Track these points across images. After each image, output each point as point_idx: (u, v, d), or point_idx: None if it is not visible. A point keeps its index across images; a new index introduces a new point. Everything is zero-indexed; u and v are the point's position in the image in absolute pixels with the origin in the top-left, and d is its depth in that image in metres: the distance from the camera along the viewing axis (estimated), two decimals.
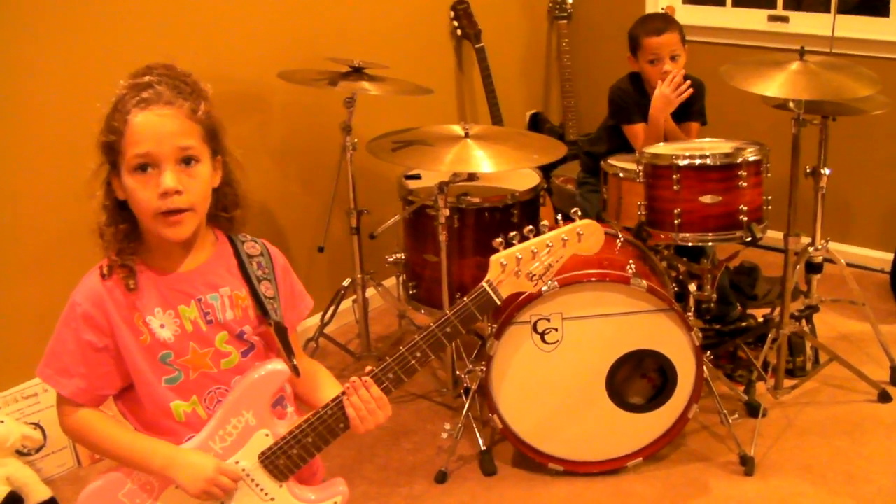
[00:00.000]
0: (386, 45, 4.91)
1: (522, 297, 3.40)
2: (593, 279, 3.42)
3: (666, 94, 4.12)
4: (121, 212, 2.16)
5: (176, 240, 2.16)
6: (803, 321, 4.15)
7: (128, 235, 2.16)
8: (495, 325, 3.50)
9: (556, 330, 3.46)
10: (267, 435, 2.23)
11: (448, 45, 5.32)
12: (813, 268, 4.19)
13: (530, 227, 2.24)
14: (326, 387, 2.39)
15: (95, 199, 2.16)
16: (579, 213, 2.32)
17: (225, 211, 2.28)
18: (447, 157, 3.63)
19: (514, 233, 2.24)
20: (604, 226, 3.75)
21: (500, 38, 5.43)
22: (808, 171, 3.98)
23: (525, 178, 4.10)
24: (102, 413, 2.25)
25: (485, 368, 3.51)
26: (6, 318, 3.63)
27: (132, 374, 2.19)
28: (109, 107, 2.10)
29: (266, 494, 2.25)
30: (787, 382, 4.11)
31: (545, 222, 2.26)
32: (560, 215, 2.23)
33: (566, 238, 2.24)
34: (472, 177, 3.74)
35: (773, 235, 3.98)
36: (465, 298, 2.23)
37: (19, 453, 3.65)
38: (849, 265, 4.53)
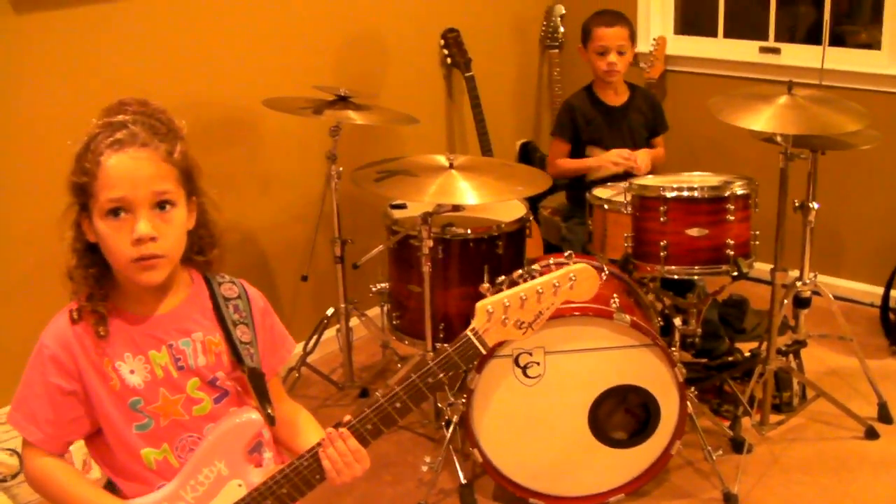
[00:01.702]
0: (374, 74, 4.90)
1: None
2: (576, 313, 3.38)
3: (617, 162, 4.32)
4: (91, 254, 2.11)
5: (149, 286, 2.12)
6: (790, 356, 4.11)
7: (98, 279, 2.12)
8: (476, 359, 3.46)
9: (538, 364, 3.43)
10: (240, 485, 2.17)
11: (438, 73, 5.29)
12: (801, 302, 4.15)
13: (520, 271, 2.17)
14: (307, 432, 2.34)
15: (64, 241, 2.11)
16: (573, 255, 2.25)
17: (200, 253, 2.23)
18: (431, 188, 3.59)
19: (504, 277, 2.17)
20: (589, 258, 3.78)
21: (490, 67, 5.41)
22: (796, 204, 3.95)
23: (511, 210, 4.07)
24: (67, 464, 2.19)
25: (466, 401, 3.47)
26: None
27: (101, 419, 2.14)
28: (81, 146, 2.05)
29: None
30: (774, 418, 4.07)
31: (536, 266, 2.20)
32: (552, 260, 2.17)
33: (558, 284, 2.15)
34: (456, 208, 3.71)
35: (762, 268, 3.95)
36: (447, 347, 2.17)
37: None
38: (839, 299, 4.51)
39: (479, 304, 2.14)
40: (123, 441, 2.14)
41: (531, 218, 4.07)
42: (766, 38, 5.38)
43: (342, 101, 4.05)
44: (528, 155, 5.82)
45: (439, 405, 4.00)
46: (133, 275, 2.08)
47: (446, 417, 3.78)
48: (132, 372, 2.13)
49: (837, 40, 5.17)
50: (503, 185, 3.73)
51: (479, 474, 3.78)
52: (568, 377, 3.45)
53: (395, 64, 5.02)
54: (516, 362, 3.42)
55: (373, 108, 4.12)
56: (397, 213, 4.05)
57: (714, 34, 5.57)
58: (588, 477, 3.59)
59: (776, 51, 5.32)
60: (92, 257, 2.11)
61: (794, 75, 3.86)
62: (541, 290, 2.14)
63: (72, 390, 2.10)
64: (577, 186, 4.52)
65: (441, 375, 2.18)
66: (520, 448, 3.56)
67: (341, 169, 4.11)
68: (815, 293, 4.16)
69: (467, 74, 5.18)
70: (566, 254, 2.27)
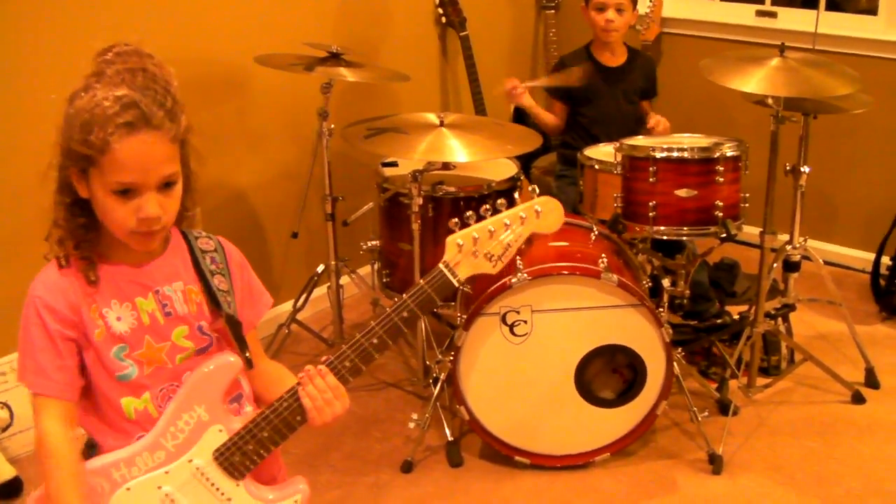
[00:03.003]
0: (368, 32, 4.88)
1: (492, 288, 3.38)
2: (564, 272, 3.39)
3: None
4: (80, 207, 2.09)
5: (144, 251, 2.14)
6: (779, 319, 4.12)
7: (86, 228, 2.11)
8: (464, 316, 3.47)
9: (526, 322, 3.43)
10: (221, 430, 2.17)
11: (432, 32, 5.28)
12: (791, 266, 4.17)
13: (486, 206, 2.19)
14: (287, 386, 2.29)
15: (51, 194, 2.10)
16: (537, 190, 2.28)
17: (182, 207, 2.21)
18: (420, 146, 3.59)
19: (470, 213, 2.20)
20: (579, 218, 3.78)
21: (485, 28, 5.39)
22: (787, 168, 3.95)
23: (502, 168, 4.07)
24: (67, 440, 2.12)
25: (453, 359, 3.48)
26: None
27: (88, 366, 2.13)
28: (85, 114, 1.98)
29: (222, 494, 2.18)
30: (761, 381, 4.09)
31: (501, 200, 2.21)
32: (516, 195, 2.21)
33: (524, 216, 2.19)
34: (447, 166, 3.70)
35: (753, 232, 3.96)
36: (420, 281, 2.19)
37: None
38: (831, 264, 4.53)
39: (448, 238, 2.18)
40: (103, 390, 2.13)
41: (522, 177, 4.07)
42: (762, 1, 5.37)
43: (334, 58, 4.03)
44: (523, 116, 5.80)
45: (427, 363, 4.01)
46: (130, 242, 2.08)
47: (434, 375, 3.79)
48: (119, 319, 2.12)
49: (837, 6, 5.15)
50: (494, 144, 3.73)
51: (465, 432, 3.80)
52: (555, 336, 3.46)
53: (389, 22, 5.01)
54: (503, 320, 3.43)
55: (365, 65, 4.10)
56: (388, 171, 4.05)
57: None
58: (574, 436, 3.61)
59: (772, 14, 5.31)
60: (80, 209, 2.10)
61: (789, 39, 3.84)
62: (508, 222, 2.18)
63: (70, 336, 2.09)
64: (570, 146, 4.53)
65: (415, 308, 2.18)
66: (506, 406, 3.57)
67: (332, 126, 4.10)
68: (805, 258, 4.17)
69: (462, 34, 5.16)
70: (530, 188, 2.28)
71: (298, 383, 2.17)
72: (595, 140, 4.27)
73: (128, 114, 1.97)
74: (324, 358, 2.20)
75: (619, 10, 4.40)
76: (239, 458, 2.17)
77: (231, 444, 2.17)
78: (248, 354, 2.23)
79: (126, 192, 2.01)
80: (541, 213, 2.21)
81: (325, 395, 2.16)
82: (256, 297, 2.38)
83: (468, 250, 2.18)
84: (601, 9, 4.41)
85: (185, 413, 2.16)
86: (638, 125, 4.48)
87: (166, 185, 2.06)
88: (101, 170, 2.00)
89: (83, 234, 2.11)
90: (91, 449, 2.20)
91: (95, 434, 2.19)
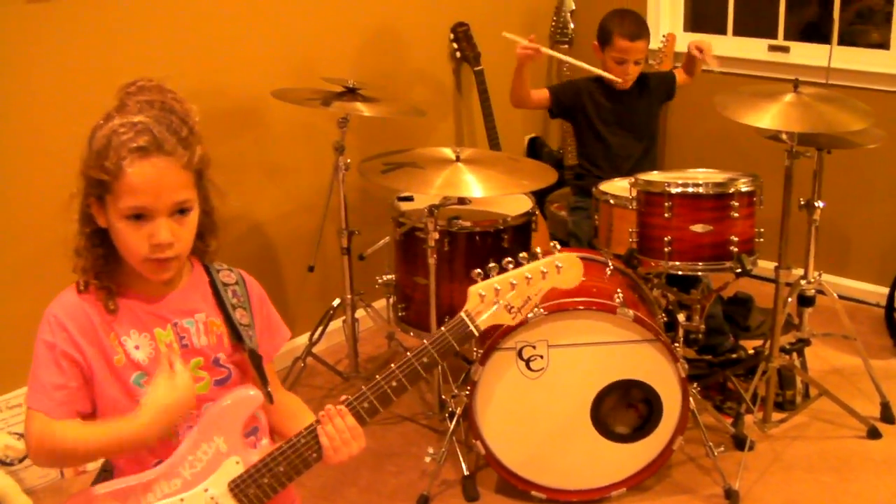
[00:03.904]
0: (384, 66, 4.91)
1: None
2: (580, 307, 3.40)
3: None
4: (100, 237, 2.13)
5: (160, 281, 2.16)
6: (794, 354, 4.12)
7: (106, 258, 2.14)
8: (480, 351, 3.48)
9: (542, 357, 3.44)
10: (238, 462, 2.19)
11: (447, 67, 5.31)
12: (805, 301, 4.17)
13: (509, 259, 2.23)
14: (303, 420, 2.32)
15: (72, 224, 2.13)
16: (558, 245, 2.31)
17: (201, 239, 2.24)
18: (437, 181, 3.62)
19: (493, 264, 2.22)
20: (594, 253, 3.79)
21: (499, 62, 5.40)
22: (801, 203, 3.96)
23: (517, 203, 4.08)
24: (59, 422, 2.11)
25: (469, 393, 3.49)
26: None
27: (98, 396, 2.14)
28: (102, 141, 2.03)
29: None
30: (776, 416, 4.08)
31: (524, 254, 2.25)
32: (539, 249, 2.24)
33: (545, 270, 2.23)
34: (462, 201, 3.72)
35: (768, 266, 3.97)
36: (442, 329, 2.22)
37: (1, 463, 3.63)
38: (845, 299, 4.52)
39: (471, 289, 2.21)
40: (122, 415, 2.14)
41: (537, 212, 4.08)
42: (775, 36, 5.39)
43: (350, 93, 4.06)
44: (537, 150, 5.84)
45: (443, 397, 4.01)
46: (145, 271, 2.11)
47: (450, 409, 3.80)
48: (137, 347, 2.14)
49: (849, 41, 5.17)
50: (509, 179, 3.75)
51: (481, 466, 3.80)
52: (571, 371, 3.47)
53: (404, 57, 5.04)
54: (520, 355, 3.44)
55: (381, 100, 4.12)
56: (404, 206, 4.06)
57: (723, 31, 5.58)
58: (590, 471, 3.61)
59: (785, 49, 5.33)
60: (101, 239, 2.13)
61: (802, 74, 3.86)
62: (529, 276, 2.22)
63: (76, 360, 2.10)
64: (582, 176, 4.57)
65: (435, 355, 2.21)
66: (522, 440, 3.57)
67: (349, 160, 4.13)
68: (820, 292, 4.17)
69: (476, 69, 5.20)
70: (552, 243, 2.32)
71: (317, 421, 2.19)
72: (606, 163, 4.31)
73: (141, 139, 2.01)
74: (343, 398, 2.22)
75: (636, 63, 4.45)
76: (254, 491, 2.19)
77: (247, 476, 2.19)
78: (268, 389, 2.25)
79: (139, 218, 2.04)
80: (561, 268, 2.25)
81: (342, 436, 2.19)
82: (275, 330, 2.41)
83: (490, 301, 2.21)
84: (620, 62, 4.43)
85: (204, 443, 2.18)
86: (648, 152, 4.53)
87: (180, 213, 2.08)
88: (115, 196, 2.03)
89: (103, 265, 2.14)
90: (106, 473, 2.22)
91: (115, 458, 2.21)
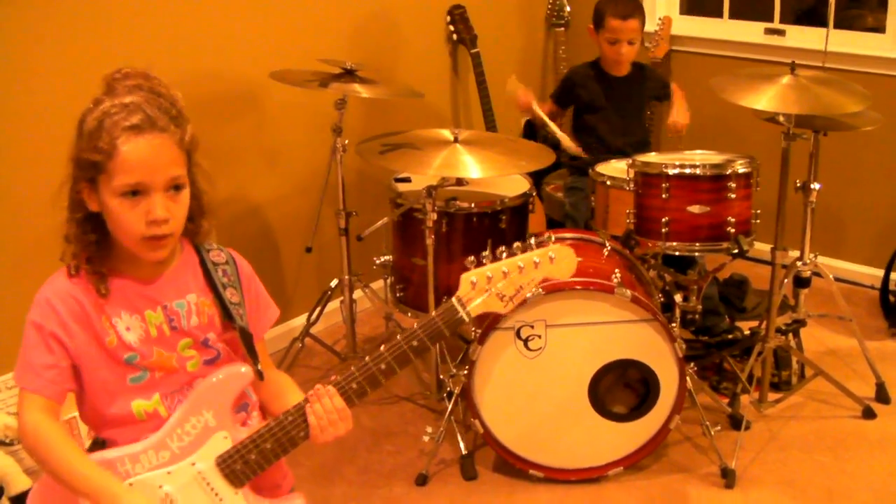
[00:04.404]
0: (381, 49, 4.92)
1: None
2: (578, 287, 3.41)
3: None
4: (91, 222, 2.15)
5: (155, 260, 2.18)
6: (790, 335, 4.15)
7: (98, 244, 2.16)
8: (479, 330, 3.49)
9: (540, 337, 3.46)
10: (226, 437, 2.21)
11: (443, 49, 5.32)
12: (801, 282, 4.19)
13: (502, 247, 2.24)
14: (292, 398, 2.34)
15: (63, 210, 2.15)
16: (552, 237, 2.32)
17: (191, 221, 2.25)
18: (435, 162, 3.62)
19: (487, 252, 2.23)
20: (591, 234, 3.81)
21: (496, 44, 5.43)
22: (798, 185, 3.98)
23: (515, 184, 4.10)
24: (58, 425, 2.15)
25: (468, 373, 3.51)
26: None
27: (88, 376, 2.16)
28: (93, 123, 2.06)
29: (221, 500, 2.22)
30: (772, 396, 4.11)
31: (517, 243, 2.25)
32: (533, 238, 2.25)
33: (538, 261, 2.23)
34: (460, 181, 3.73)
35: (763, 248, 3.99)
36: (433, 314, 2.23)
37: (1, 443, 3.63)
38: (839, 280, 4.54)
39: (463, 276, 2.22)
40: (115, 395, 2.17)
41: (534, 193, 4.10)
42: (771, 19, 5.40)
43: (348, 75, 4.06)
44: (534, 132, 5.83)
45: (441, 377, 4.03)
46: (141, 251, 2.13)
47: (448, 389, 3.81)
48: (128, 329, 2.17)
49: (844, 24, 5.18)
50: (507, 160, 3.76)
51: (479, 445, 3.82)
52: (569, 350, 3.49)
53: (401, 39, 5.05)
54: (518, 335, 3.46)
55: (378, 81, 4.13)
56: (402, 187, 4.07)
57: (719, 15, 5.59)
58: (587, 450, 3.63)
59: (781, 32, 5.34)
60: (92, 224, 2.15)
61: (798, 57, 3.87)
62: (521, 265, 2.22)
63: (64, 343, 2.12)
64: (578, 157, 4.60)
65: (426, 339, 2.22)
66: (520, 420, 3.59)
67: (346, 142, 4.13)
68: (816, 274, 4.19)
69: (473, 51, 5.20)
70: (545, 235, 2.33)
71: (306, 400, 2.21)
72: (603, 147, 4.33)
73: (134, 117, 2.04)
74: (332, 377, 2.23)
75: (630, 43, 4.49)
76: (241, 467, 2.21)
77: (234, 452, 2.21)
78: (259, 366, 2.27)
79: (134, 195, 2.06)
80: (554, 259, 2.25)
81: (330, 416, 2.20)
82: (264, 307, 2.43)
83: (481, 289, 2.22)
84: (613, 42, 4.48)
85: (193, 417, 2.20)
86: (645, 135, 4.57)
87: (174, 189, 2.11)
88: (109, 175, 2.05)
89: (94, 250, 2.16)
90: (100, 447, 2.24)
91: (103, 433, 2.23)
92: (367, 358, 2.22)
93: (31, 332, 2.13)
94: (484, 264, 2.22)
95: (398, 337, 2.22)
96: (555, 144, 5.47)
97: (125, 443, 2.20)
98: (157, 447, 2.18)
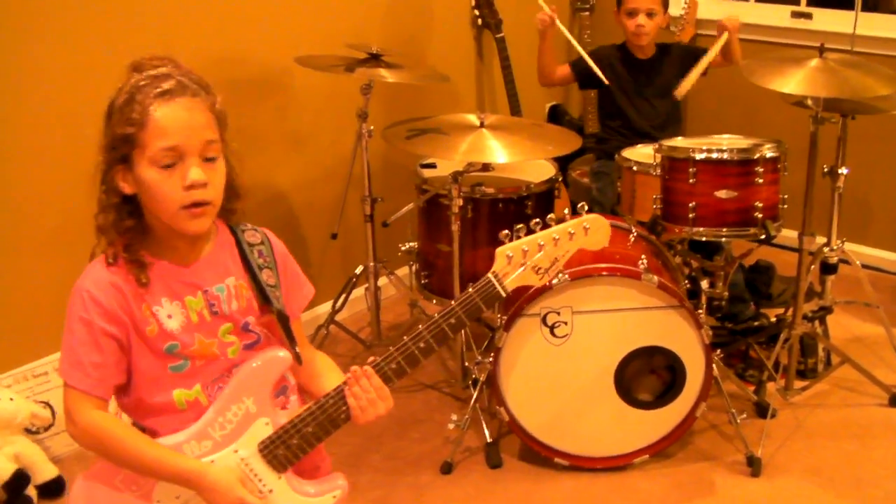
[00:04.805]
0: (406, 33, 4.90)
1: (533, 289, 3.39)
2: (604, 273, 3.40)
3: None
4: (126, 207, 2.12)
5: (196, 233, 2.14)
6: (816, 322, 4.12)
7: (134, 230, 2.14)
8: (504, 317, 3.48)
9: (566, 323, 3.45)
10: (267, 423, 2.20)
11: (468, 34, 5.30)
12: (828, 268, 4.16)
13: (537, 220, 2.23)
14: (331, 378, 2.34)
15: (100, 197, 2.13)
16: (586, 207, 2.30)
17: (226, 201, 2.23)
18: (461, 147, 3.61)
19: (521, 225, 2.22)
20: (618, 219, 3.78)
21: (521, 29, 5.39)
22: (825, 170, 3.95)
23: (541, 170, 4.08)
24: (120, 419, 2.20)
25: (493, 360, 3.50)
26: (16, 297, 3.63)
27: (133, 363, 2.15)
28: (124, 97, 2.04)
29: (264, 485, 2.21)
30: (798, 384, 4.09)
31: (552, 215, 2.24)
32: (567, 209, 2.24)
33: (573, 232, 2.22)
34: (486, 167, 3.72)
35: (789, 235, 3.96)
36: (469, 290, 2.22)
37: (28, 431, 3.65)
38: (865, 267, 4.50)
39: (498, 250, 2.20)
40: (156, 384, 2.16)
41: (560, 179, 4.08)
42: (797, 2, 5.36)
43: (374, 59, 4.05)
44: (558, 117, 5.82)
45: (466, 364, 4.02)
46: (181, 223, 2.09)
47: (473, 376, 3.81)
48: (170, 316, 2.15)
49: (871, 6, 5.14)
50: (533, 145, 3.75)
51: (504, 433, 3.81)
52: (595, 337, 3.47)
53: (426, 24, 5.03)
54: (544, 321, 3.44)
55: (404, 66, 4.11)
56: (427, 173, 4.06)
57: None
58: (613, 437, 3.62)
59: (808, 16, 5.30)
60: (128, 209, 2.12)
61: (825, 40, 3.84)
62: (556, 237, 2.21)
63: (114, 334, 2.11)
64: (604, 140, 4.60)
65: (463, 315, 2.21)
66: (546, 407, 3.58)
67: (372, 127, 4.12)
68: (843, 260, 4.17)
69: (498, 36, 5.18)
70: (580, 205, 2.30)
71: (345, 382, 2.20)
72: (629, 131, 4.32)
73: (165, 84, 2.04)
74: (370, 359, 2.22)
75: (649, 15, 4.42)
76: (283, 452, 2.20)
77: (276, 437, 2.20)
78: (297, 350, 2.26)
79: (171, 166, 2.04)
80: (589, 230, 2.24)
81: (369, 395, 2.19)
82: (300, 287, 2.41)
83: (517, 262, 2.20)
84: (632, 14, 4.43)
85: (234, 404, 2.19)
86: (674, 119, 4.52)
87: (208, 161, 2.08)
88: (143, 146, 2.04)
89: (131, 236, 2.13)
90: None
91: (144, 422, 2.22)
92: (405, 337, 2.20)
93: (79, 328, 2.11)
94: (519, 238, 2.21)
95: (436, 315, 2.21)
96: (579, 127, 5.47)
97: (166, 432, 2.19)
98: (198, 437, 2.18)
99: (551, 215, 2.24)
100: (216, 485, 2.13)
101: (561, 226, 2.22)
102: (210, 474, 2.13)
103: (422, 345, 2.20)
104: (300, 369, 2.34)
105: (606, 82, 4.37)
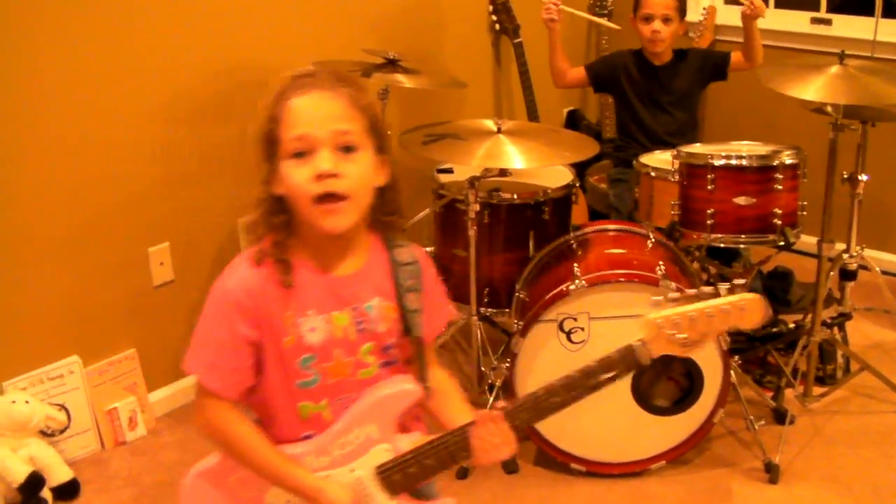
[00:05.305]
0: (423, 38, 4.91)
1: (549, 295, 3.39)
2: (622, 279, 3.39)
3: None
4: (276, 207, 2.08)
5: (332, 232, 2.05)
6: (835, 329, 4.10)
7: (283, 228, 2.09)
8: (521, 323, 3.47)
9: (583, 329, 3.44)
10: (387, 450, 2.17)
11: (486, 39, 5.30)
12: (847, 275, 4.15)
13: (695, 291, 2.10)
14: (453, 403, 2.30)
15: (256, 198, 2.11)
16: (743, 282, 2.20)
17: (388, 215, 2.18)
18: (478, 152, 3.60)
19: (674, 287, 2.12)
20: (635, 225, 3.77)
21: (538, 34, 5.36)
22: (844, 176, 3.93)
23: (558, 176, 4.07)
24: (247, 420, 2.16)
25: (509, 366, 3.49)
26: (33, 301, 3.62)
27: (268, 368, 2.13)
28: (269, 98, 2.06)
29: None
30: (817, 390, 4.06)
31: (708, 289, 2.12)
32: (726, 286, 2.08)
33: (727, 310, 2.08)
34: (503, 172, 3.71)
35: (808, 241, 3.94)
36: (613, 353, 2.13)
37: (43, 434, 3.66)
38: (885, 273, 4.48)
39: (650, 317, 2.09)
40: (282, 390, 2.13)
41: (577, 184, 4.07)
42: (817, 8, 5.34)
43: (391, 65, 4.05)
44: (576, 123, 5.82)
45: (483, 369, 4.01)
46: (316, 219, 2.03)
47: (490, 381, 3.80)
48: (312, 330, 2.10)
49: (892, 12, 5.12)
50: (551, 151, 3.73)
51: (520, 438, 3.78)
52: (612, 343, 3.38)
53: (443, 29, 5.03)
54: (561, 327, 3.43)
55: (421, 71, 4.11)
56: (444, 178, 4.06)
57: (765, 3, 5.51)
58: (630, 443, 3.61)
59: (828, 22, 5.28)
60: (279, 206, 2.08)
61: (845, 47, 3.83)
62: (710, 314, 2.08)
63: (254, 339, 2.08)
64: (622, 147, 4.58)
65: (602, 378, 2.13)
66: (562, 413, 3.55)
67: (389, 133, 4.10)
68: (862, 267, 4.15)
69: (516, 41, 5.18)
70: (736, 280, 2.17)
71: (472, 423, 2.14)
72: (645, 137, 4.35)
73: (305, 80, 2.05)
74: (500, 404, 2.16)
75: (665, 21, 4.40)
76: (399, 478, 2.16)
77: (395, 464, 2.16)
78: (428, 384, 2.22)
79: (301, 155, 2.01)
80: (745, 310, 2.09)
81: (494, 440, 2.13)
82: (441, 309, 2.35)
83: (666, 333, 2.08)
84: (648, 19, 4.41)
85: (358, 427, 2.15)
86: (691, 125, 4.51)
87: (345, 148, 2.03)
88: (281, 140, 2.02)
89: (279, 234, 2.09)
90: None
91: (261, 414, 2.21)
92: (538, 389, 2.15)
93: (218, 330, 2.09)
94: (671, 306, 2.09)
95: (573, 372, 2.14)
96: (597, 132, 5.46)
97: (282, 435, 2.18)
98: (318, 452, 2.16)
99: (708, 288, 2.10)
100: (332, 502, 2.12)
101: (717, 301, 2.08)
102: (327, 491, 2.12)
103: (555, 400, 2.15)
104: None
105: (614, 26, 4.39)
